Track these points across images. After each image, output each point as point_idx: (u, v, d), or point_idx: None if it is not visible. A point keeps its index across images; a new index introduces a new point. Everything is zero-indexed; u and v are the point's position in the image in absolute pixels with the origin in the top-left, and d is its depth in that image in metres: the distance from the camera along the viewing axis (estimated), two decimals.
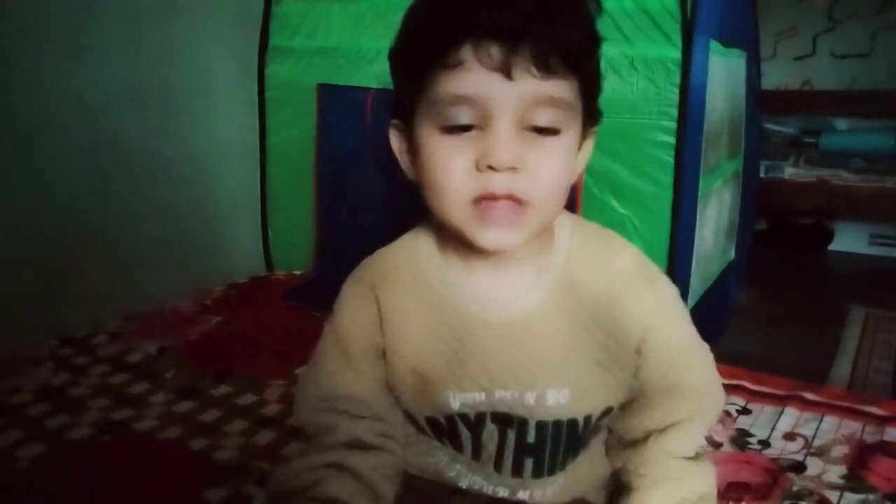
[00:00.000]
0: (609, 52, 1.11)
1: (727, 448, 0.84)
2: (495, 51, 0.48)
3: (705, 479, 0.58)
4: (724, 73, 1.31)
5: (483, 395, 0.57)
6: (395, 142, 0.58)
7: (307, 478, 0.57)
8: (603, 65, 1.14)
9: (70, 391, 0.98)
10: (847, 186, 2.11)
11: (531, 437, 0.58)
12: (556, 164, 0.52)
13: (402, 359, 0.59)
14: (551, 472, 0.60)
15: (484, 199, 0.51)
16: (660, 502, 0.56)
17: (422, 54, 0.51)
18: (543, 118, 0.51)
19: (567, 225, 0.61)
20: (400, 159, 0.58)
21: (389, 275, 0.61)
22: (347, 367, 0.60)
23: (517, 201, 0.51)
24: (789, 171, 2.21)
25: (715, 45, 1.19)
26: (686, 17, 1.06)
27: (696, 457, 0.59)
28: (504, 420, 0.58)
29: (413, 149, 0.55)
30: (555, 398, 0.57)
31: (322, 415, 0.61)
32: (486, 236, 0.52)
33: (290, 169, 1.52)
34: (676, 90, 1.07)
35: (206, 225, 1.70)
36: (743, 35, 1.50)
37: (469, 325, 0.57)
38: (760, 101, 1.75)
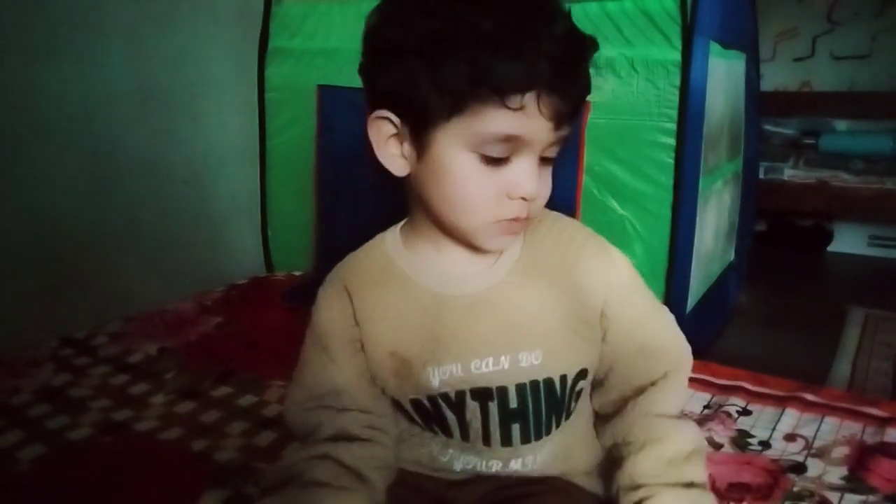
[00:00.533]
0: (609, 53, 1.12)
1: (728, 449, 0.84)
2: (555, 102, 0.52)
3: (692, 436, 0.61)
4: (723, 74, 1.31)
5: (459, 368, 0.60)
6: (381, 133, 0.57)
7: (293, 470, 0.60)
8: (603, 66, 1.15)
9: (71, 392, 0.98)
10: (846, 188, 2.11)
11: (513, 402, 0.60)
12: (549, 184, 0.59)
13: (379, 345, 0.62)
14: (538, 435, 0.62)
15: (509, 221, 0.56)
16: (650, 465, 0.58)
17: (476, 86, 0.51)
18: (554, 153, 0.57)
19: None
20: (382, 151, 0.58)
21: (359, 271, 0.65)
22: (329, 362, 0.63)
23: (526, 218, 0.58)
24: (789, 173, 2.21)
25: (715, 47, 1.19)
26: (686, 19, 1.06)
27: (680, 416, 0.62)
28: (483, 395, 0.60)
29: (419, 150, 0.56)
30: (528, 360, 0.60)
31: (308, 414, 0.64)
32: (495, 243, 0.59)
33: (290, 170, 1.52)
34: (676, 92, 1.08)
35: (206, 226, 1.70)
36: (742, 36, 1.50)
37: (440, 302, 0.61)
38: (760, 103, 1.75)
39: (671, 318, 0.66)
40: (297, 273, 1.51)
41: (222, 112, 1.70)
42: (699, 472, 0.59)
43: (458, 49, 0.51)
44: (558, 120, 0.53)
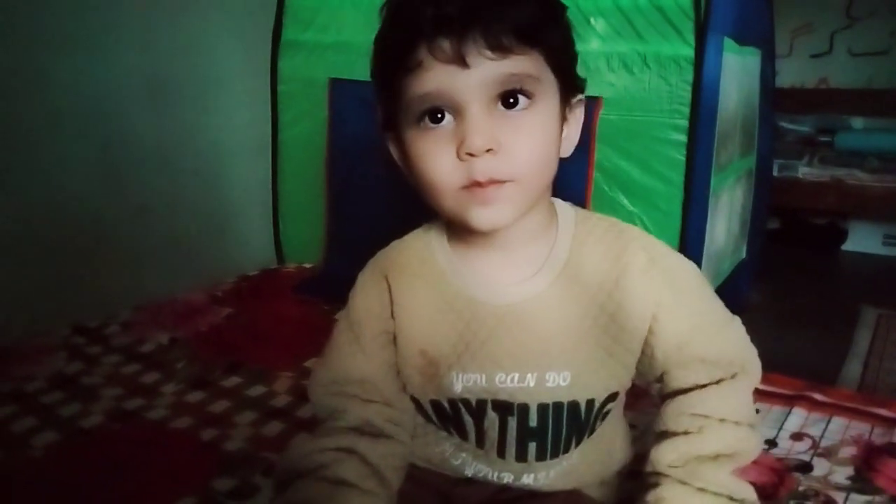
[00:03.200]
0: (622, 49, 1.11)
1: None
2: (446, 44, 0.50)
3: (732, 440, 0.57)
4: (737, 70, 1.30)
5: (484, 379, 0.58)
6: (394, 152, 0.60)
7: (317, 459, 0.58)
8: (615, 62, 1.15)
9: (83, 380, 1.00)
10: (862, 186, 2.09)
11: (533, 421, 0.59)
12: (533, 138, 0.54)
13: (411, 342, 0.61)
14: (555, 455, 0.61)
15: (471, 186, 0.53)
16: (665, 454, 0.56)
17: (387, 62, 0.54)
18: (511, 99, 0.52)
19: (570, 211, 0.62)
20: (401, 167, 0.60)
21: (401, 263, 0.63)
22: (359, 351, 0.62)
23: (500, 182, 0.53)
24: (803, 171, 2.19)
25: (729, 43, 1.18)
26: (700, 15, 1.05)
27: (736, 423, 0.58)
28: (504, 408, 0.59)
29: (404, 152, 0.57)
30: (554, 380, 0.57)
31: (333, 398, 0.63)
32: (478, 217, 0.54)
33: (302, 162, 1.52)
34: (689, 88, 1.07)
35: (217, 217, 1.72)
36: (758, 32, 1.49)
37: (474, 307, 0.59)
38: (775, 99, 1.74)
39: (741, 331, 0.62)
40: (308, 265, 1.52)
41: (234, 104, 1.70)
42: (720, 478, 0.56)
43: (378, 46, 0.56)
44: (460, 59, 0.50)
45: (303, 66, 1.47)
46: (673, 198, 1.11)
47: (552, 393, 0.58)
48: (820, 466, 0.79)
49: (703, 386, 0.58)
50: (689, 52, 1.06)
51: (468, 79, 0.51)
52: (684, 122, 1.08)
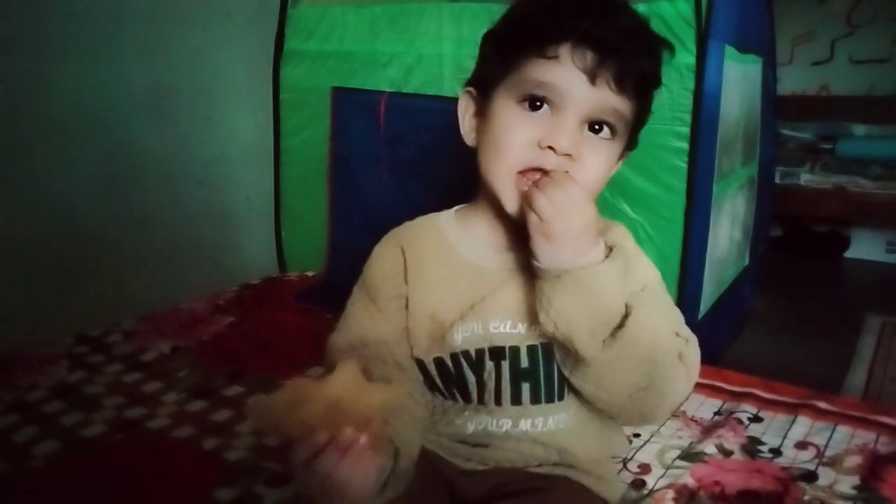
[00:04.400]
0: None
1: (738, 456, 0.84)
2: (590, 57, 0.57)
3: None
4: (739, 78, 1.30)
5: (480, 326, 0.63)
6: (463, 105, 0.66)
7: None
8: None
9: (85, 389, 1.00)
10: (864, 193, 2.09)
11: (524, 362, 0.63)
12: (603, 162, 0.61)
13: (422, 306, 0.66)
14: (549, 398, 0.64)
15: (531, 171, 0.59)
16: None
17: (522, 42, 0.59)
18: (605, 124, 0.60)
19: None
20: (462, 122, 0.66)
21: (415, 236, 0.69)
22: (376, 312, 0.66)
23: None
24: (805, 178, 2.18)
25: (730, 51, 1.19)
26: (701, 23, 1.05)
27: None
28: (499, 354, 0.64)
29: (483, 114, 0.63)
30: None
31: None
32: (515, 204, 0.60)
33: (304, 171, 1.53)
34: (690, 96, 1.07)
35: (220, 226, 1.72)
36: (759, 40, 1.49)
37: (479, 274, 0.65)
38: (777, 107, 1.73)
39: (696, 349, 0.64)
40: (310, 273, 1.52)
41: (236, 113, 1.71)
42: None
43: (514, 16, 0.62)
44: (593, 74, 0.57)
45: (305, 75, 1.48)
46: (675, 205, 1.11)
47: (541, 335, 0.62)
48: (825, 476, 0.78)
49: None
50: (691, 59, 1.06)
51: (587, 92, 0.57)
52: (686, 130, 1.08)
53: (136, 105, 1.50)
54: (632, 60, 0.58)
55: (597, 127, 0.60)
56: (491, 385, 0.64)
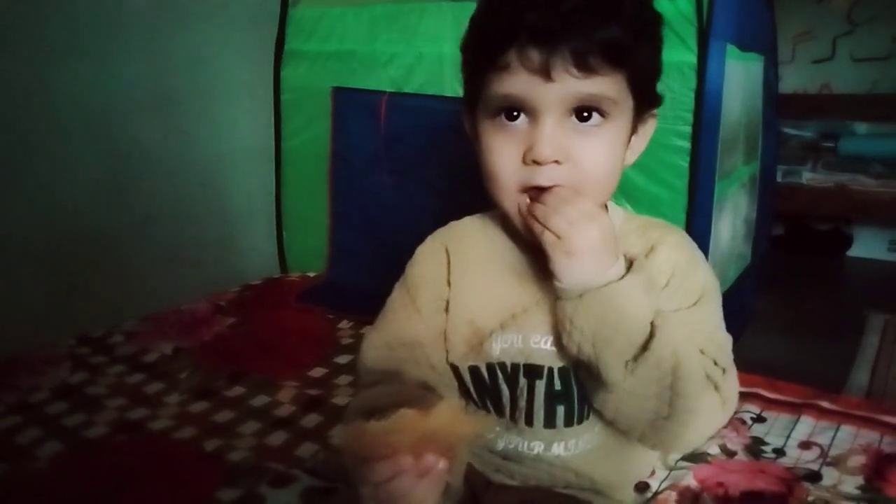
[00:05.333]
0: None
1: (741, 456, 0.83)
2: (535, 55, 0.53)
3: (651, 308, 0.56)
4: (740, 77, 1.30)
5: (520, 339, 0.61)
6: (468, 129, 0.64)
7: (390, 392, 0.58)
8: None
9: (87, 390, 1.00)
10: (866, 192, 2.08)
11: (557, 384, 0.61)
12: (600, 153, 0.57)
13: (462, 311, 0.64)
14: (581, 419, 0.62)
15: (529, 190, 0.56)
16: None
17: (478, 56, 0.57)
18: (586, 114, 0.55)
19: (618, 211, 0.66)
20: (473, 145, 0.64)
21: (461, 237, 0.67)
22: (415, 312, 0.65)
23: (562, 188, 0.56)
24: (807, 176, 2.18)
25: (732, 50, 1.18)
26: (702, 22, 1.05)
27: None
28: (535, 372, 0.61)
29: (476, 137, 0.61)
30: None
31: (388, 359, 0.64)
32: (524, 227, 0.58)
33: (305, 171, 1.52)
34: (692, 95, 1.07)
35: (221, 227, 1.72)
36: (760, 39, 1.49)
37: (524, 285, 0.62)
38: (778, 105, 1.73)
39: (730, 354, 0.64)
40: (312, 274, 1.52)
41: (237, 114, 1.71)
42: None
43: (470, 29, 0.59)
44: (546, 71, 0.52)
45: (305, 76, 1.48)
46: (677, 204, 1.11)
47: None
48: (829, 476, 0.78)
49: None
50: (692, 58, 1.06)
51: (549, 91, 0.54)
52: (688, 129, 1.08)
53: (137, 106, 1.50)
54: (585, 38, 0.52)
55: (585, 115, 0.55)
56: (522, 403, 0.62)
